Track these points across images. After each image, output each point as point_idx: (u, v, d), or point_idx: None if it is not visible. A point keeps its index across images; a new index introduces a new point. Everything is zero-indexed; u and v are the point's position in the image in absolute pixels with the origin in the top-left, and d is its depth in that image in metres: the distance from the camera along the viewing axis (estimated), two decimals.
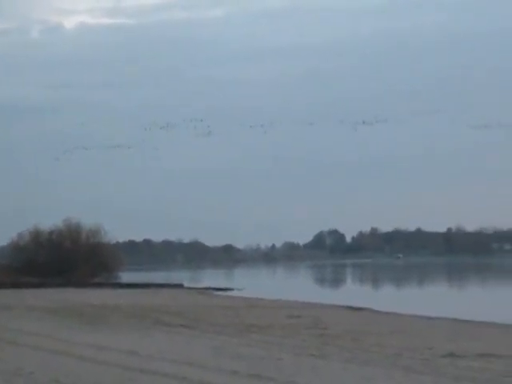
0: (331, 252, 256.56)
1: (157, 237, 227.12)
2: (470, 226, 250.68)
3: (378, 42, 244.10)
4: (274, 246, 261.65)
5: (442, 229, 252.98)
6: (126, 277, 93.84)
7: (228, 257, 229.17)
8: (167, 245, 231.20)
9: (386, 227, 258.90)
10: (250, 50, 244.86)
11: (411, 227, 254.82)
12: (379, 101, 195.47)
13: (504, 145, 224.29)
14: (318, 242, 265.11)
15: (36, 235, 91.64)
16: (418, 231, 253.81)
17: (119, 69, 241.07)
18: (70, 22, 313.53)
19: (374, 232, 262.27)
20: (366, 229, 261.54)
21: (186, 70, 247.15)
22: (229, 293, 71.14)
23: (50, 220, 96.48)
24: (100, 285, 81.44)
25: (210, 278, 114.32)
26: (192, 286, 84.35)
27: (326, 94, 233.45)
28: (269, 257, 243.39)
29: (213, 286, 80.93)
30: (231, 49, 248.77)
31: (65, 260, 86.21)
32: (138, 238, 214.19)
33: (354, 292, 73.62)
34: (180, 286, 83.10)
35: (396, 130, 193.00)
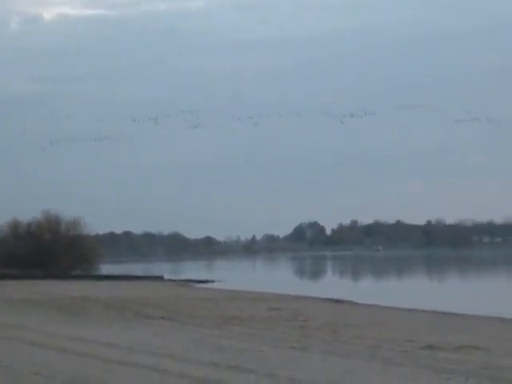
0: (311, 244, 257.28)
1: (137, 229, 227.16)
2: (450, 219, 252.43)
3: (365, 36, 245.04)
4: (254, 238, 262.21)
5: (422, 221, 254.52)
6: (106, 269, 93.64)
7: (208, 249, 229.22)
8: (147, 237, 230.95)
9: (365, 220, 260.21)
10: (236, 41, 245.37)
11: (391, 220, 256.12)
12: (365, 94, 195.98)
13: (487, 140, 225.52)
14: (298, 234, 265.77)
15: (15, 227, 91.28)
16: (398, 224, 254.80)
17: (102, 60, 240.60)
18: (49, 13, 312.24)
19: (353, 224, 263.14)
20: (346, 221, 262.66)
21: (171, 61, 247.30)
22: (209, 285, 71.17)
23: (33, 211, 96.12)
24: (80, 277, 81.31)
25: (191, 270, 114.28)
26: (172, 278, 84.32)
27: (314, 86, 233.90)
28: (249, 249, 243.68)
29: (193, 278, 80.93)
30: (216, 40, 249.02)
31: (44, 252, 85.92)
32: (118, 230, 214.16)
33: (333, 284, 73.85)
34: (160, 278, 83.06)
35: (379, 125, 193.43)
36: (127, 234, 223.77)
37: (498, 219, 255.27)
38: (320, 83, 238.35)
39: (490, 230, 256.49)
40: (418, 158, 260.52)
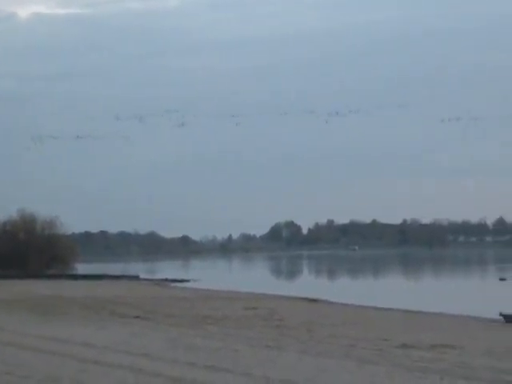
0: (287, 243, 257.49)
1: (113, 228, 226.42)
2: (425, 218, 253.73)
3: (357, 34, 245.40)
4: (230, 237, 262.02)
5: (398, 221, 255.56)
6: (81, 268, 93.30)
7: (184, 248, 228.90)
8: (123, 236, 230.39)
9: (342, 219, 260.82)
10: (215, 40, 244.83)
11: (367, 219, 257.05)
12: (348, 94, 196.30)
13: (464, 140, 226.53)
14: (275, 234, 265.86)
15: None
16: (374, 223, 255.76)
17: (79, 59, 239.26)
18: (24, 12, 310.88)
19: (330, 224, 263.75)
20: (323, 221, 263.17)
21: (149, 59, 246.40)
22: (185, 284, 71.11)
23: (9, 210, 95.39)
24: (55, 276, 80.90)
25: (167, 269, 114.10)
26: (148, 277, 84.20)
27: (303, 85, 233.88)
28: (225, 248, 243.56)
29: (169, 277, 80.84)
30: (193, 39, 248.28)
31: (19, 251, 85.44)
32: (94, 230, 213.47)
33: (309, 284, 73.98)
34: (136, 277, 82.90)
35: (359, 124, 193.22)
36: (103, 234, 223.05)
37: (473, 219, 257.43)
38: (309, 82, 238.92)
39: (465, 229, 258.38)
40: (395, 157, 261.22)
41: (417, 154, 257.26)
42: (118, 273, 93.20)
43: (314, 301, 45.66)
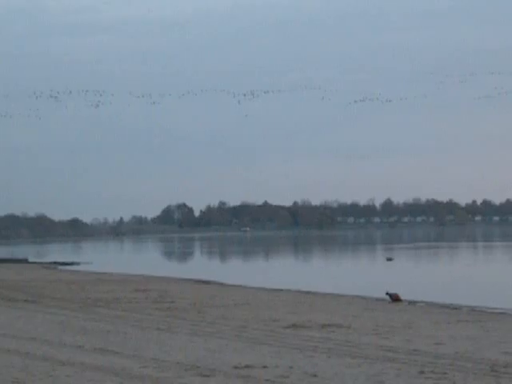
0: (180, 226, 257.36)
1: (0, 211, 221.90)
2: (315, 200, 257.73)
3: (257, 15, 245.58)
4: (121, 219, 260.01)
5: (289, 202, 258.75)
6: None
7: (75, 231, 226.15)
8: (11, 219, 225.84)
9: (233, 201, 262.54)
10: (122, 18, 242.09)
11: (258, 201, 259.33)
12: (249, 75, 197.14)
13: (356, 121, 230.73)
14: (167, 216, 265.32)
15: None
16: (265, 205, 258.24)
17: None
18: None
19: (221, 206, 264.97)
20: (214, 203, 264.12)
21: (44, 38, 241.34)
22: (75, 267, 70.23)
23: None
24: None
25: (56, 252, 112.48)
26: (37, 260, 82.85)
27: (216, 65, 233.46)
28: (117, 231, 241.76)
29: (59, 260, 79.75)
30: (80, 19, 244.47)
31: None
32: None
33: (200, 265, 74.10)
34: (25, 260, 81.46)
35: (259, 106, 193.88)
36: None
37: (362, 201, 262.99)
38: (223, 62, 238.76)
39: (354, 211, 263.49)
40: (288, 138, 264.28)
41: (309, 136, 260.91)
42: (5, 256, 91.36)
43: (206, 282, 45.77)
